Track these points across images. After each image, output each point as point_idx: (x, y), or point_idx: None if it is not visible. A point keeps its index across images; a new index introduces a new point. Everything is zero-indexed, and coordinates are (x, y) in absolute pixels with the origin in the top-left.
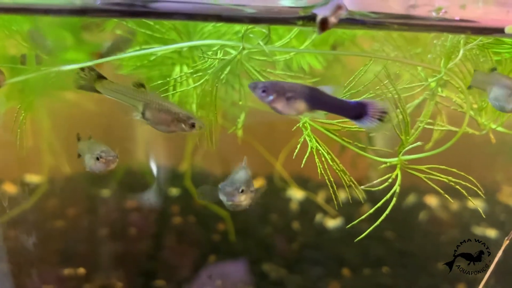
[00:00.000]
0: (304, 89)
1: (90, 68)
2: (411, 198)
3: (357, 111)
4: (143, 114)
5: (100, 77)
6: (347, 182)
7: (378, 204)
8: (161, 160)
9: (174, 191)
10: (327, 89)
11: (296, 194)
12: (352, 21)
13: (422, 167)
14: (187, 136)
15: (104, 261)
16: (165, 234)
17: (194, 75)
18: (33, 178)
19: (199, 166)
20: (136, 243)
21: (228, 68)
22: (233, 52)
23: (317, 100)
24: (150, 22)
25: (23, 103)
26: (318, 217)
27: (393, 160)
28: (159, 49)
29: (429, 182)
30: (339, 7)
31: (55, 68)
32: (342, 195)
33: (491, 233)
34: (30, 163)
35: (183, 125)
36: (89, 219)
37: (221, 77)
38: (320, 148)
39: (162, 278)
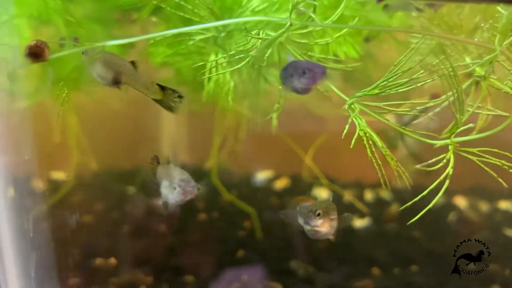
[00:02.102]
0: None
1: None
2: (439, 199)
3: None
4: None
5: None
6: (397, 172)
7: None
8: (187, 157)
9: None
10: None
11: (322, 193)
12: None
13: (474, 150)
14: (213, 133)
15: (132, 256)
16: (192, 230)
17: (236, 57)
18: (59, 175)
19: (224, 163)
20: (163, 239)
21: (269, 51)
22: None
23: None
24: (188, 6)
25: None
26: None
27: (446, 142)
28: (199, 27)
29: (482, 166)
30: None
31: (97, 44)
32: (369, 196)
33: None
34: (58, 160)
35: None
36: (115, 216)
37: (264, 59)
38: (369, 132)
39: (191, 273)
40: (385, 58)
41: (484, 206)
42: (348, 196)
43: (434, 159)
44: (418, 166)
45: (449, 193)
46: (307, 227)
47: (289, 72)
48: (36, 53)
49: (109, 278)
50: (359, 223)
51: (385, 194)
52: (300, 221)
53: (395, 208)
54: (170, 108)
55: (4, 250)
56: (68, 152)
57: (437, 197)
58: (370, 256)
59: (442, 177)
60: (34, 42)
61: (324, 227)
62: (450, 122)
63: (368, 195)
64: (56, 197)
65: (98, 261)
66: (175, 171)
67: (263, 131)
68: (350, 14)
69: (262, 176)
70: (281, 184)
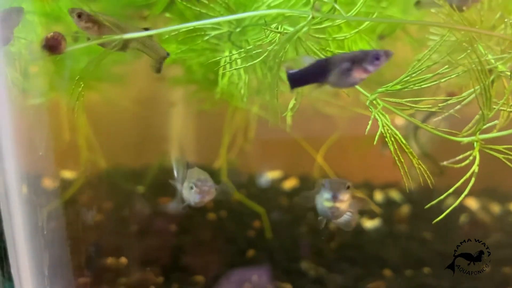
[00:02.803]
0: None
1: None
2: (450, 201)
3: None
4: None
5: None
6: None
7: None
8: (196, 156)
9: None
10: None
11: None
12: None
13: (500, 147)
14: (223, 132)
15: (143, 256)
16: (202, 230)
17: (252, 52)
18: (69, 174)
19: (233, 163)
20: (173, 239)
21: (287, 46)
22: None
23: None
24: (204, 0)
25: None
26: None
27: (472, 138)
28: (217, 20)
29: (508, 163)
30: None
31: (115, 37)
32: (379, 197)
33: None
34: (68, 158)
35: None
36: (125, 215)
37: (283, 53)
38: (393, 129)
39: (200, 273)
40: (398, 56)
41: (496, 208)
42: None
43: (460, 156)
44: (445, 163)
45: (461, 194)
46: (328, 205)
47: (346, 63)
48: (53, 45)
49: (120, 277)
50: (369, 224)
51: (395, 194)
52: (320, 197)
53: (405, 209)
54: (158, 70)
55: (18, 247)
56: (78, 150)
57: (460, 198)
58: (381, 257)
59: (468, 174)
60: (51, 34)
61: (344, 205)
62: (462, 122)
63: (378, 196)
64: (67, 195)
65: (109, 260)
66: (194, 171)
67: (273, 131)
68: (366, 10)
69: (271, 176)
70: (290, 184)
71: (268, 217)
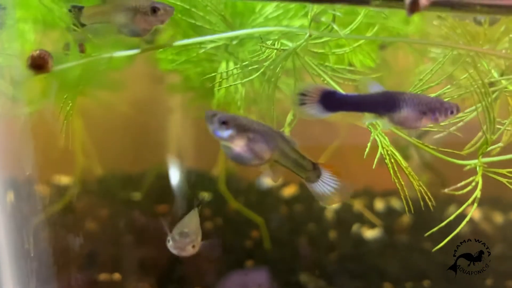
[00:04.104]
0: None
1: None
2: (451, 210)
3: None
4: None
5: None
6: (418, 187)
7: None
8: (194, 164)
9: (206, 196)
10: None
11: None
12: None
13: (504, 171)
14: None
15: (137, 267)
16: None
17: (249, 68)
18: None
19: (231, 171)
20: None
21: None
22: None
23: None
24: (199, 12)
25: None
26: (355, 227)
27: (473, 162)
28: (213, 37)
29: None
30: None
31: (104, 55)
32: (379, 205)
33: None
34: (62, 164)
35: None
36: (119, 223)
37: (279, 70)
38: (391, 150)
39: (198, 285)
40: (399, 65)
41: (499, 218)
42: (358, 205)
43: (462, 183)
44: (446, 190)
45: (463, 204)
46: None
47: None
48: (39, 65)
49: None
50: (369, 234)
51: (396, 203)
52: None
53: (406, 218)
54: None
55: (2, 258)
56: (73, 157)
57: (465, 220)
58: (382, 269)
59: (470, 201)
60: (37, 52)
61: (237, 144)
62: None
63: (379, 204)
64: (59, 204)
65: (102, 275)
66: (187, 220)
67: None
68: (366, 21)
69: (270, 183)
70: (289, 191)
71: (267, 225)
